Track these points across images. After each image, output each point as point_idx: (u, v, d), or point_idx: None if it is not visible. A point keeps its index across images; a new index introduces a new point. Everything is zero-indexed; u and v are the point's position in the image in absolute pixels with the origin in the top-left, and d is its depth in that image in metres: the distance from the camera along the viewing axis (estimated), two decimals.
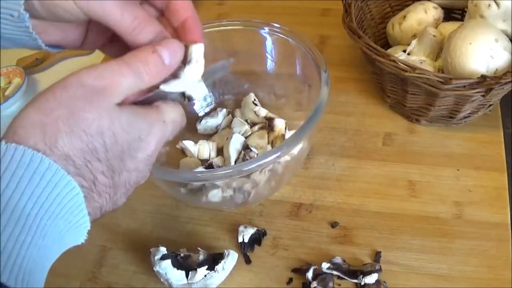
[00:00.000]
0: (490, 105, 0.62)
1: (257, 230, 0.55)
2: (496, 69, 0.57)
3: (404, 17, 0.70)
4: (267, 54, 0.64)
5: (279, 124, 0.60)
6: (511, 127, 0.84)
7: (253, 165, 0.46)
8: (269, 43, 0.62)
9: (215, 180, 0.49)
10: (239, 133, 0.62)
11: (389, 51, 0.67)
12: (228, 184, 0.53)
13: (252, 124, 0.65)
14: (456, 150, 0.62)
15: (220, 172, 0.47)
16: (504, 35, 0.59)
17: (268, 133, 0.61)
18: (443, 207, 0.56)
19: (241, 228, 0.56)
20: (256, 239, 0.55)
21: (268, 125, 0.61)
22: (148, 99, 0.35)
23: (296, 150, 0.53)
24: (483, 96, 0.55)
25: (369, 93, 0.71)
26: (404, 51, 0.67)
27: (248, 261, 0.54)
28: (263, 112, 0.64)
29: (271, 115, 0.63)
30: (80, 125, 0.29)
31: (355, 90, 0.72)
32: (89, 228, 0.31)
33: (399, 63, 0.56)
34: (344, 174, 0.61)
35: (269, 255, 0.54)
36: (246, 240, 0.54)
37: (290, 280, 0.52)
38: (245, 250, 0.55)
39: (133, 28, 0.34)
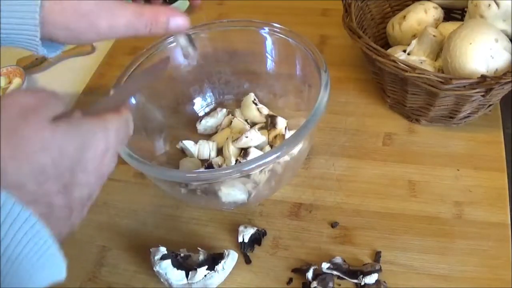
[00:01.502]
0: (490, 105, 0.62)
1: (257, 230, 0.55)
2: (496, 69, 0.57)
3: (404, 17, 0.70)
4: (267, 54, 0.64)
5: (281, 123, 0.61)
6: (511, 127, 0.83)
7: (253, 165, 0.46)
8: (269, 43, 0.62)
9: (215, 180, 0.49)
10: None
11: (389, 51, 0.67)
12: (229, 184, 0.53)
13: (252, 124, 0.65)
14: (456, 150, 0.62)
15: (220, 172, 0.47)
16: (504, 35, 0.59)
17: (269, 131, 0.61)
18: (443, 207, 0.56)
19: (241, 228, 0.56)
20: (256, 239, 0.55)
21: (270, 122, 0.62)
22: (94, 109, 0.34)
23: (296, 150, 0.53)
24: (483, 96, 0.55)
25: (369, 93, 0.71)
26: (404, 51, 0.67)
27: (248, 261, 0.54)
28: (265, 110, 0.64)
29: (273, 113, 0.63)
30: (23, 147, 0.27)
31: (355, 90, 0.72)
32: (64, 262, 0.30)
33: (399, 63, 0.56)
34: (344, 174, 0.61)
35: (269, 255, 0.54)
36: (246, 240, 0.54)
37: (290, 280, 0.52)
38: (245, 250, 0.55)
39: (148, 31, 0.40)
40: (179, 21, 0.41)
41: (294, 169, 0.59)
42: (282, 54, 0.62)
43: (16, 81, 0.81)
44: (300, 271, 0.52)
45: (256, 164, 0.46)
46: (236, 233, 0.55)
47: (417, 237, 0.54)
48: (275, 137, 0.61)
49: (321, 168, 0.62)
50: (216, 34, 0.63)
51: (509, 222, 0.54)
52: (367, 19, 0.72)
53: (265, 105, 0.66)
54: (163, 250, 0.52)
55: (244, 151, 0.58)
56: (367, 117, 0.68)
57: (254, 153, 0.57)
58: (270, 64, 0.64)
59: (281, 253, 0.55)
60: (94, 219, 0.60)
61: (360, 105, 0.69)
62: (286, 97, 0.66)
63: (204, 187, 0.52)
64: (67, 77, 0.84)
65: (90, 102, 0.77)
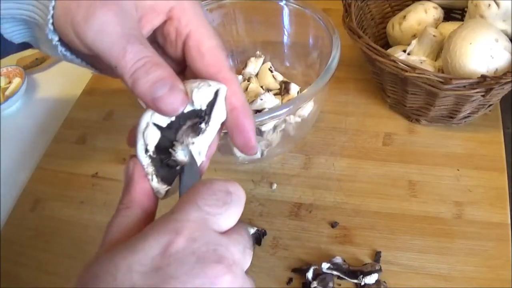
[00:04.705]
0: (490, 105, 0.62)
1: (257, 230, 0.55)
2: (496, 69, 0.57)
3: (404, 17, 0.70)
4: (282, 24, 0.67)
5: (294, 88, 0.64)
6: (511, 127, 0.84)
7: (266, 117, 0.49)
8: (285, 13, 0.66)
9: None
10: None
11: (389, 51, 0.67)
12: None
13: (267, 91, 0.66)
14: (456, 150, 0.62)
15: None
16: (504, 35, 0.59)
17: (282, 96, 0.65)
18: (443, 207, 0.56)
19: None
20: (256, 239, 0.55)
21: (284, 87, 0.65)
22: None
23: (306, 111, 0.58)
24: (483, 96, 0.55)
25: (369, 93, 0.71)
26: (404, 51, 0.67)
27: None
28: (280, 76, 0.68)
29: (286, 80, 0.67)
30: None
31: (355, 90, 0.72)
32: None
33: (399, 63, 0.56)
34: (344, 174, 0.61)
35: (269, 255, 0.54)
36: None
37: (290, 280, 0.52)
38: None
39: (134, 70, 0.29)
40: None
41: (303, 131, 0.64)
42: (297, 24, 0.66)
43: (16, 81, 0.81)
44: (300, 271, 0.52)
45: (268, 116, 0.49)
46: None
47: (417, 237, 0.54)
48: (288, 101, 0.62)
49: (321, 168, 0.62)
50: (235, 4, 0.68)
51: (509, 222, 0.54)
52: (367, 19, 0.72)
53: (280, 74, 0.70)
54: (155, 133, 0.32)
55: (258, 113, 0.60)
56: (367, 117, 0.68)
57: None
58: (286, 34, 0.68)
59: (281, 253, 0.55)
60: (94, 219, 0.60)
61: (360, 105, 0.69)
62: (300, 67, 0.69)
63: (220, 143, 0.54)
64: (67, 77, 0.84)
65: (89, 102, 0.77)
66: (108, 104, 0.76)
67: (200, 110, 0.32)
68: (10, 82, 0.82)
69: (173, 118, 0.32)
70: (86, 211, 0.62)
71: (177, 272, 0.25)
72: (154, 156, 0.32)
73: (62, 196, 0.64)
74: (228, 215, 0.28)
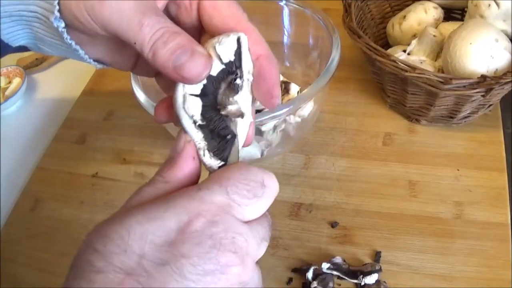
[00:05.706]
0: (490, 105, 0.62)
1: None
2: (496, 69, 0.57)
3: (404, 17, 0.70)
4: (282, 24, 0.67)
5: (294, 88, 0.65)
6: (511, 127, 0.83)
7: (266, 116, 0.49)
8: (285, 13, 0.66)
9: None
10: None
11: (389, 51, 0.67)
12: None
13: None
14: (456, 150, 0.62)
15: None
16: (504, 35, 0.59)
17: (282, 96, 0.65)
18: (443, 207, 0.56)
19: None
20: None
21: (284, 87, 0.65)
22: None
23: (306, 111, 0.58)
24: (483, 96, 0.55)
25: (369, 93, 0.71)
26: (404, 51, 0.67)
27: None
28: (280, 76, 0.67)
29: (286, 80, 0.67)
30: None
31: (355, 90, 0.72)
32: None
33: (399, 63, 0.56)
34: (344, 174, 0.61)
35: (269, 255, 0.54)
36: None
37: (290, 280, 0.52)
38: None
39: (153, 42, 0.28)
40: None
41: (303, 131, 0.63)
42: (297, 24, 0.66)
43: (16, 81, 0.81)
44: (300, 271, 0.52)
45: (269, 116, 0.49)
46: None
47: (417, 237, 0.54)
48: (288, 101, 0.63)
49: (321, 168, 0.62)
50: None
51: (509, 222, 0.54)
52: (367, 19, 0.72)
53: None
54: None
55: (258, 113, 0.61)
56: (367, 117, 0.68)
57: None
58: (285, 34, 0.68)
59: (281, 253, 0.55)
60: (94, 219, 0.60)
61: (360, 105, 0.69)
62: (300, 68, 0.69)
63: None
64: (67, 77, 0.84)
65: (89, 102, 0.77)
66: (108, 104, 0.76)
67: (230, 63, 0.31)
68: (10, 82, 0.82)
69: (204, 82, 0.31)
70: (86, 211, 0.62)
71: (190, 252, 0.24)
72: (204, 123, 0.31)
73: (62, 196, 0.64)
74: (256, 207, 0.28)
